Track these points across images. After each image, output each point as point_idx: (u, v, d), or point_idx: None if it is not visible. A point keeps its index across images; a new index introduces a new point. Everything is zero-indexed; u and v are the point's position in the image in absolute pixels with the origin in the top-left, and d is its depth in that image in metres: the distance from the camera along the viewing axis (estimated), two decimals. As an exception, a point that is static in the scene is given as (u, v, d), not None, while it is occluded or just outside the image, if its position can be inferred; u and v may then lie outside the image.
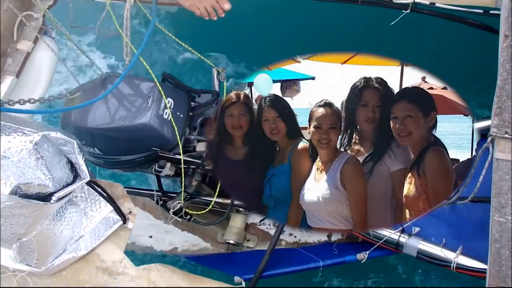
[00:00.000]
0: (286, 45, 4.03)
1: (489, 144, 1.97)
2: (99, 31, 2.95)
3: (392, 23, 2.57)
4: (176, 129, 2.63)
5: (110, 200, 2.18)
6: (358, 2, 2.67)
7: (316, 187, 2.37)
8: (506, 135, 1.95)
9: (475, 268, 2.37)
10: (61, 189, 1.81)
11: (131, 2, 2.61)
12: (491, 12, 2.47)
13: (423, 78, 2.59)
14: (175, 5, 2.76)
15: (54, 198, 1.78)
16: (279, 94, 2.71)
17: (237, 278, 2.68)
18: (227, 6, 2.68)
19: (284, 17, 4.21)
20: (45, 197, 1.78)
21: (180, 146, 2.64)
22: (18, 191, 1.70)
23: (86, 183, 1.99)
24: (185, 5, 2.72)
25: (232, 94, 2.67)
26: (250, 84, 2.78)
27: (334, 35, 4.07)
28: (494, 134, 1.96)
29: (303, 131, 2.54)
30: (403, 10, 2.56)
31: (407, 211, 2.30)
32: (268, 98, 2.59)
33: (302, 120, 2.55)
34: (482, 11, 2.50)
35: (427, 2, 2.54)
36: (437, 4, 2.53)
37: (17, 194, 1.71)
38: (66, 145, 1.84)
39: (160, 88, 2.64)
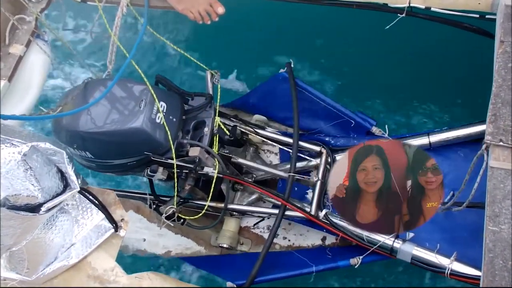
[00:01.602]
0: (278, 48, 4.01)
1: (484, 151, 1.95)
2: (92, 34, 2.92)
3: (387, 27, 2.54)
4: (169, 133, 2.60)
5: (102, 207, 2.16)
6: (353, 6, 2.63)
7: None
8: (501, 143, 1.93)
9: (469, 275, 2.35)
10: (50, 200, 1.79)
11: (124, 11, 2.56)
12: (487, 16, 2.44)
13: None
14: (168, 8, 2.73)
15: (43, 209, 1.76)
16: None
17: (229, 284, 2.67)
18: (221, 10, 2.65)
19: (276, 20, 4.16)
20: (34, 208, 1.76)
21: (173, 151, 2.61)
22: (6, 203, 1.69)
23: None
24: (178, 9, 2.69)
25: None
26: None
27: (330, 38, 4.04)
28: (488, 141, 1.94)
29: None
30: (399, 14, 2.53)
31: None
32: None
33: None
34: (478, 16, 2.47)
35: (423, 7, 2.51)
36: (432, 9, 2.50)
37: (5, 206, 1.69)
38: (56, 155, 1.82)
39: (152, 92, 2.60)
